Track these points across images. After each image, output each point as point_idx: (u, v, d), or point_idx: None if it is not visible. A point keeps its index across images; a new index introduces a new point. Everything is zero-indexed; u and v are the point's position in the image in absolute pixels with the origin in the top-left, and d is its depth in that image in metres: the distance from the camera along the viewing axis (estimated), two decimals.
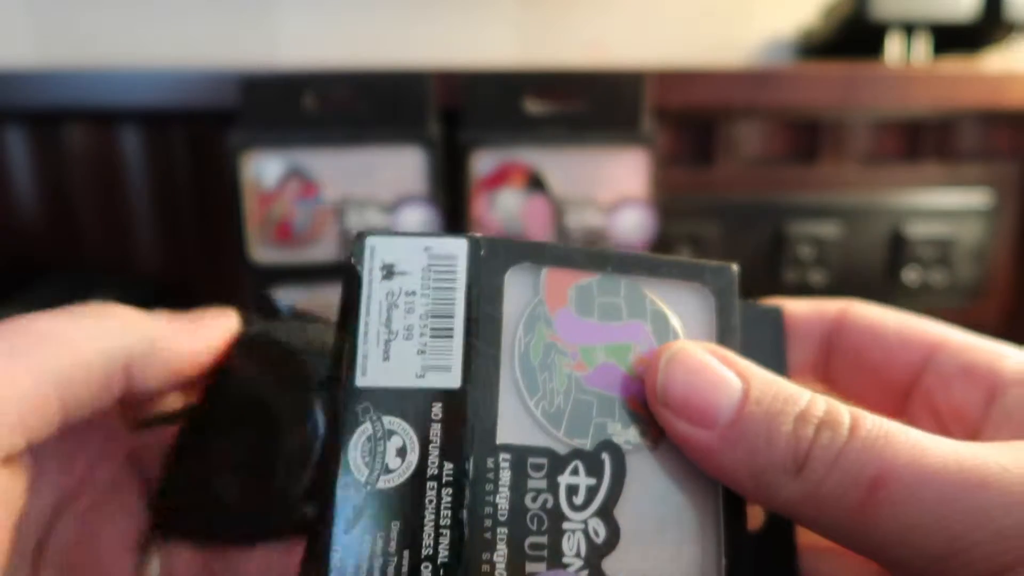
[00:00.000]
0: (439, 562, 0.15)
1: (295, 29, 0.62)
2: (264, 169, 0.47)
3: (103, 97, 0.52)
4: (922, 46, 0.58)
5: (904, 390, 0.20)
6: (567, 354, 0.17)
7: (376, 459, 0.16)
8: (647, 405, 0.17)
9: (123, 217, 0.57)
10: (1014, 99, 0.56)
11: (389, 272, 0.17)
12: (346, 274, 0.17)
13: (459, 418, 0.16)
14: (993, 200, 0.59)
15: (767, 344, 0.20)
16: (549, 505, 0.16)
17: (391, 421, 0.16)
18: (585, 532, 0.16)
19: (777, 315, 0.20)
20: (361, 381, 0.16)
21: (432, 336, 0.17)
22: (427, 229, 0.48)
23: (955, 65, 0.59)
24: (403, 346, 0.17)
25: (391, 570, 0.15)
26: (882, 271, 0.59)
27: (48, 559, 0.18)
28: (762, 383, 0.16)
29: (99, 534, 0.19)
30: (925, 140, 0.58)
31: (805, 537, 0.19)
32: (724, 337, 0.18)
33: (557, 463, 0.16)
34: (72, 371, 0.16)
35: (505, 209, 0.49)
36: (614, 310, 0.18)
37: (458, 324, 0.17)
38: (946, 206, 0.58)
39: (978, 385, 0.19)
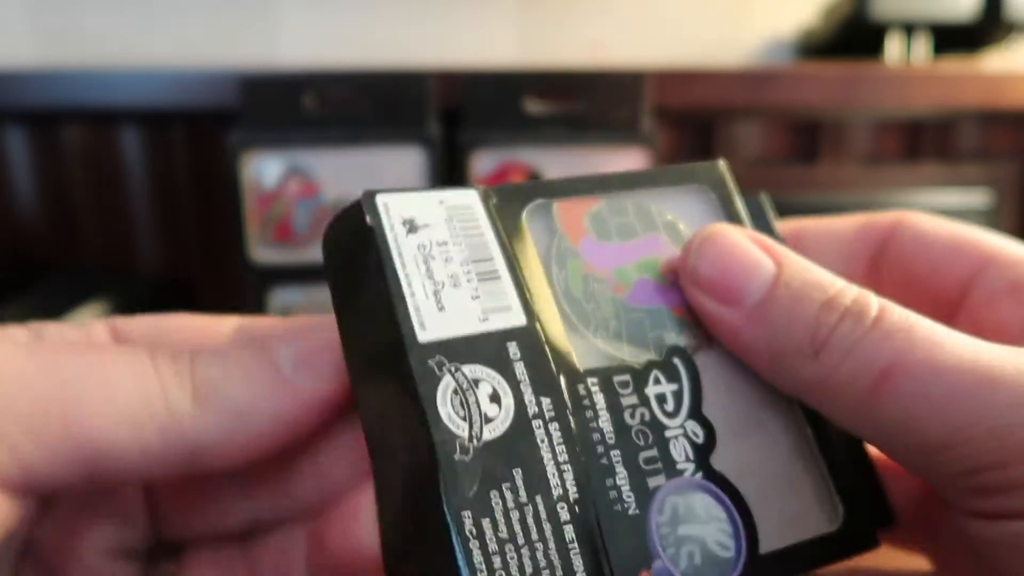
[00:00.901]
0: (572, 499, 0.15)
1: (295, 29, 0.62)
2: (264, 169, 0.47)
3: (103, 97, 0.52)
4: (922, 46, 0.58)
5: (952, 304, 0.20)
6: (603, 280, 0.17)
7: (471, 411, 0.15)
8: (690, 310, 0.17)
9: (123, 217, 0.57)
10: (1014, 99, 0.56)
11: (412, 226, 0.16)
12: (354, 238, 0.16)
13: (537, 353, 0.16)
14: (993, 200, 0.59)
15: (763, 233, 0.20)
16: (647, 418, 0.16)
17: (473, 369, 0.15)
18: (686, 436, 0.16)
19: (760, 203, 0.21)
20: (423, 335, 0.15)
21: (480, 280, 0.16)
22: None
23: (955, 65, 0.59)
24: (454, 294, 0.16)
25: (531, 520, 0.14)
26: None
27: (29, 565, 0.17)
28: (795, 268, 0.16)
29: (82, 537, 0.17)
30: (925, 140, 0.58)
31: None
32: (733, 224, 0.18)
33: (639, 377, 0.17)
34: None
35: None
36: (629, 229, 0.18)
37: (500, 265, 0.16)
38: (946, 206, 0.58)
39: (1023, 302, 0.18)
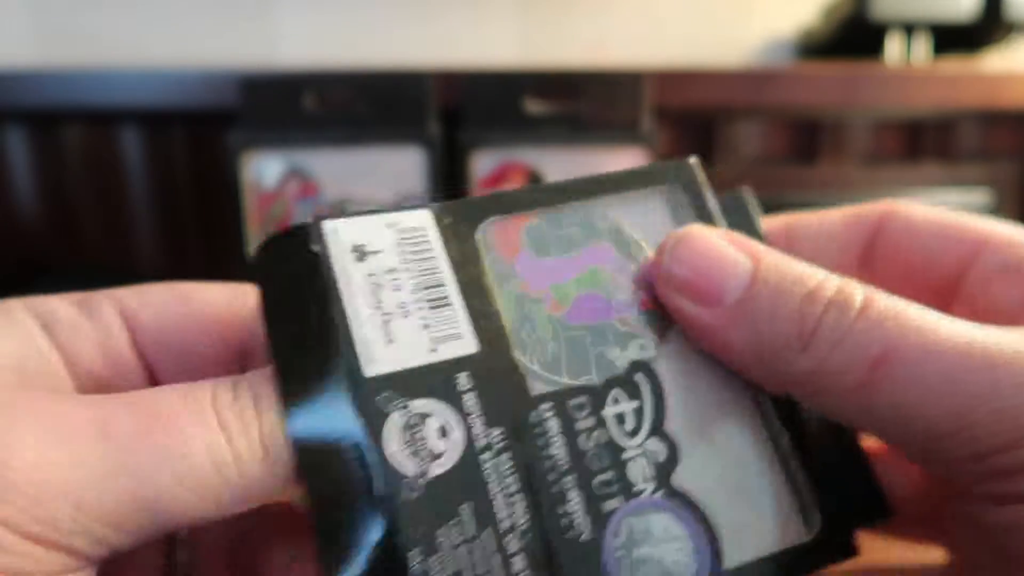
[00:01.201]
0: (521, 530, 0.15)
1: (295, 29, 0.62)
2: (264, 169, 0.47)
3: (103, 97, 0.52)
4: (922, 46, 0.58)
5: (948, 292, 0.20)
6: (540, 300, 0.17)
7: (419, 448, 0.15)
8: (634, 319, 0.17)
9: (123, 217, 0.57)
10: (1014, 99, 0.56)
11: (361, 254, 0.16)
12: (299, 265, 0.15)
13: (489, 381, 0.16)
14: (993, 200, 0.59)
15: (744, 230, 0.19)
16: (604, 440, 0.16)
17: (422, 403, 0.15)
18: (646, 456, 0.16)
19: (742, 199, 0.20)
20: (371, 370, 0.15)
21: (431, 308, 0.16)
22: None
23: (955, 65, 0.59)
24: (404, 324, 0.15)
25: (478, 554, 0.14)
26: None
27: None
28: (772, 263, 0.16)
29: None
30: (925, 140, 0.58)
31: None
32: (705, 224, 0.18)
33: (597, 397, 0.16)
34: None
35: None
36: (569, 241, 0.18)
37: (452, 290, 0.16)
38: (946, 206, 0.58)
39: (1016, 282, 0.18)
